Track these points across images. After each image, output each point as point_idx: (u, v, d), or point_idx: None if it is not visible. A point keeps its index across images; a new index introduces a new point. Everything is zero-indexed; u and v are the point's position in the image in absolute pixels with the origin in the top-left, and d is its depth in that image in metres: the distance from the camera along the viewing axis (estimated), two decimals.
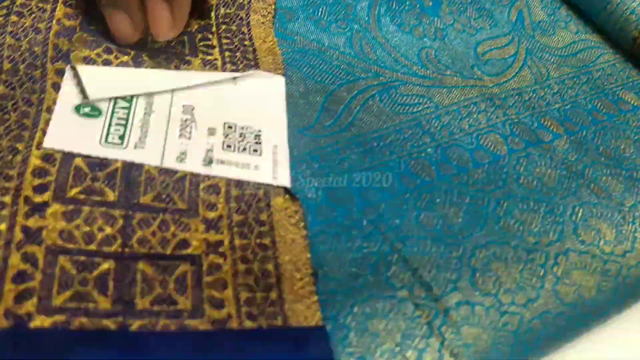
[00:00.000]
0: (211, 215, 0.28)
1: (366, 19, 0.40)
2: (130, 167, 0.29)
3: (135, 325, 0.24)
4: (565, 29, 0.44)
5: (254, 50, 0.35)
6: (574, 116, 0.38)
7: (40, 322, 0.22)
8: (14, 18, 0.31)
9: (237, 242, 0.28)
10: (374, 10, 0.40)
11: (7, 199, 0.26)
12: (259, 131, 0.32)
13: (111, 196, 0.27)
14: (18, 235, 0.25)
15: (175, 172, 0.29)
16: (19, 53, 0.30)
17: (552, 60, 0.41)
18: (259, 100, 0.34)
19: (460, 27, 0.41)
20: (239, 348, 0.24)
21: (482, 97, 0.37)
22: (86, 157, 0.28)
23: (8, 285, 0.23)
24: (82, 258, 0.25)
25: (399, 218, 0.30)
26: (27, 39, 0.31)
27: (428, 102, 0.36)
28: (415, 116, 0.35)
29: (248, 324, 0.25)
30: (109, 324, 0.23)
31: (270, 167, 0.31)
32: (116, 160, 0.29)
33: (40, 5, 0.32)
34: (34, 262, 0.24)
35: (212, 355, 0.24)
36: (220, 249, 0.27)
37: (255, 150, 0.31)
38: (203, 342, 0.24)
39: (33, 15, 0.32)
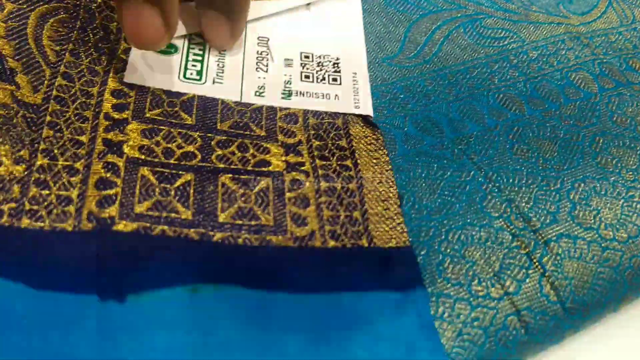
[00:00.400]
0: (290, 140, 0.27)
1: None
2: (205, 98, 0.28)
3: (217, 236, 0.23)
4: None
5: None
6: None
7: (122, 226, 0.22)
8: None
9: (318, 162, 0.27)
10: None
11: (88, 113, 0.25)
12: (337, 59, 0.31)
13: (189, 120, 0.26)
14: (100, 146, 0.24)
15: (250, 104, 0.28)
16: None
17: (637, 3, 0.39)
18: (334, 26, 0.32)
19: None
20: (322, 267, 0.23)
21: (569, 35, 0.35)
22: (164, 90, 0.27)
23: (91, 190, 0.22)
24: (163, 170, 0.24)
25: (491, 149, 0.28)
26: None
27: (514, 36, 0.34)
28: (501, 50, 0.33)
29: (332, 243, 0.24)
30: (191, 233, 0.23)
31: (352, 96, 0.29)
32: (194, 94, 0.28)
33: None
34: (116, 171, 0.23)
35: (293, 274, 0.23)
36: (302, 168, 0.26)
37: (334, 80, 0.30)
38: (285, 260, 0.23)
39: None
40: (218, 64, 0.29)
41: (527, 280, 0.25)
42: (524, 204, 0.27)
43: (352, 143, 0.28)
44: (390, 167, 0.27)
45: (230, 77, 0.29)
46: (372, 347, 0.22)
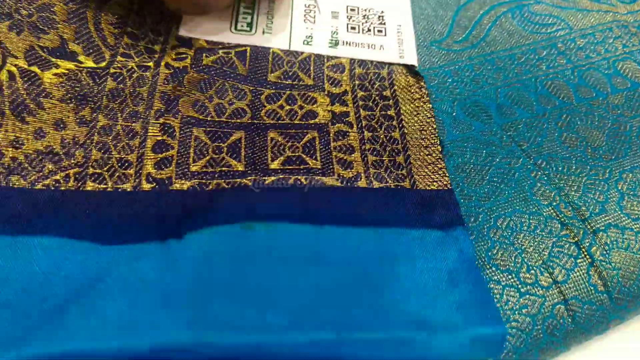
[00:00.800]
0: (336, 90, 0.28)
1: None
2: (257, 49, 0.29)
3: (269, 180, 0.24)
4: None
5: None
6: None
7: (179, 185, 0.23)
8: None
9: (362, 113, 0.27)
10: None
11: (151, 63, 0.26)
12: (382, 12, 0.31)
13: (242, 69, 0.27)
14: (158, 102, 0.25)
15: (300, 52, 0.29)
16: None
17: None
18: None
19: None
20: (367, 205, 0.24)
21: (617, 24, 0.35)
22: (219, 45, 0.28)
23: (149, 153, 0.23)
24: (215, 129, 0.25)
25: (540, 137, 0.28)
26: None
27: (562, 23, 0.34)
28: (549, 36, 0.33)
29: (376, 184, 0.25)
30: (244, 181, 0.24)
31: (396, 46, 0.30)
32: (245, 45, 0.29)
33: None
34: (172, 134, 0.24)
35: (340, 210, 0.24)
36: (346, 119, 0.27)
37: (379, 31, 0.31)
38: (333, 197, 0.24)
39: None
40: (267, 17, 0.30)
41: (576, 269, 0.25)
42: (573, 193, 0.27)
43: (396, 93, 0.29)
44: (432, 115, 0.28)
45: (279, 28, 0.30)
46: (417, 278, 0.23)
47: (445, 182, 0.25)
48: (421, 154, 0.26)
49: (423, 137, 0.27)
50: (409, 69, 0.29)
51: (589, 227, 0.26)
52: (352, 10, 0.31)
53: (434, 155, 0.26)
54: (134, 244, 0.21)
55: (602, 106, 0.30)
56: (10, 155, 0.22)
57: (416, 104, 0.28)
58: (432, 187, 0.25)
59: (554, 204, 0.26)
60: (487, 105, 0.29)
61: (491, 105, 0.29)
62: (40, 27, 0.25)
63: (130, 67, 0.25)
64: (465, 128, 0.28)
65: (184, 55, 0.27)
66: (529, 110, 0.30)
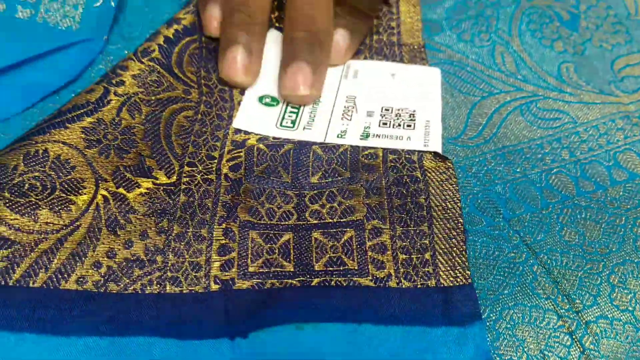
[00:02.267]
0: (371, 177, 0.32)
1: (507, 31, 0.41)
2: (299, 149, 0.33)
3: (314, 282, 0.29)
4: None
5: (399, 46, 0.38)
6: None
7: (240, 285, 0.28)
8: (205, 52, 0.36)
9: (395, 202, 0.32)
10: (516, 23, 0.42)
11: (213, 176, 0.31)
12: (414, 111, 0.36)
13: (286, 177, 0.32)
14: (220, 211, 0.30)
15: (338, 147, 0.33)
16: (211, 82, 0.35)
17: None
18: (415, 87, 0.37)
19: (598, 42, 0.42)
20: (398, 304, 0.29)
21: (620, 115, 0.39)
22: (264, 141, 0.33)
23: (215, 256, 0.29)
24: (268, 231, 0.30)
25: (542, 232, 0.33)
26: (215, 73, 0.35)
27: (567, 117, 0.38)
28: (555, 131, 0.37)
29: (405, 283, 0.29)
30: (294, 282, 0.29)
31: (422, 137, 0.34)
32: (288, 141, 0.33)
33: None
34: (232, 237, 0.29)
35: (375, 309, 0.29)
36: (381, 213, 0.31)
37: (409, 126, 0.35)
38: (367, 297, 0.29)
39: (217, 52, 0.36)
40: (310, 115, 0.35)
41: (569, 357, 0.29)
42: (569, 287, 0.31)
43: (426, 174, 0.33)
44: (459, 200, 0.32)
45: (319, 124, 0.35)
46: None
47: (466, 276, 0.29)
48: (447, 245, 0.30)
49: (449, 226, 0.31)
50: (437, 154, 0.33)
51: (582, 318, 0.30)
52: (387, 110, 0.36)
53: (458, 247, 0.30)
54: (208, 340, 0.26)
55: (602, 199, 0.35)
56: (106, 264, 0.27)
57: (445, 186, 0.32)
58: (455, 282, 0.29)
59: (552, 297, 0.30)
60: (497, 201, 0.34)
61: (500, 201, 0.34)
62: (124, 148, 0.31)
63: (197, 181, 0.30)
64: (476, 222, 0.33)
65: (238, 162, 0.32)
66: (534, 205, 0.34)
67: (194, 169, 0.31)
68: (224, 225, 0.29)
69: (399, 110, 0.35)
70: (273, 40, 0.36)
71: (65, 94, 0.33)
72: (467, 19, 0.41)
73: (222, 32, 0.35)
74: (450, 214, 0.31)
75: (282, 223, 0.30)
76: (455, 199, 0.32)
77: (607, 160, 0.36)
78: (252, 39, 0.34)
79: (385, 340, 0.28)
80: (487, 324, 0.29)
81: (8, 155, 0.28)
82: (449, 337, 0.28)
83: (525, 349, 0.29)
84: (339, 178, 0.32)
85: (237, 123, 0.33)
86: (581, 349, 0.29)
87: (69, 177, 0.28)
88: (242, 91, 0.35)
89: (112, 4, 0.35)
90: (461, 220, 0.31)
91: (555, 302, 0.30)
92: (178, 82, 0.34)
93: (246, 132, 0.34)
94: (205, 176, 0.31)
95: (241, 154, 0.32)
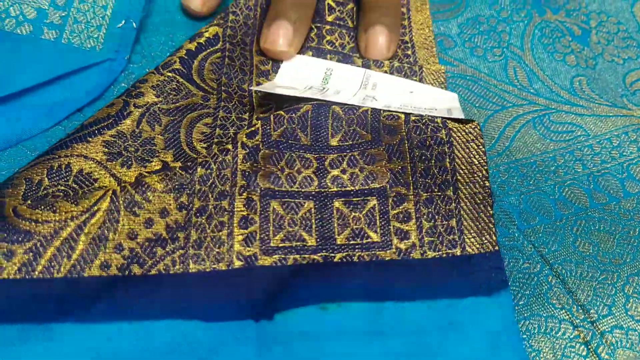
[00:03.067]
0: (393, 141, 0.32)
1: (520, 46, 0.42)
2: (318, 109, 0.33)
3: (337, 257, 0.29)
4: None
5: (420, 67, 0.39)
6: None
7: (262, 261, 0.28)
8: (227, 61, 0.36)
9: (419, 166, 0.31)
10: (528, 38, 0.42)
11: (229, 146, 0.31)
12: (434, 108, 0.35)
13: (305, 140, 0.32)
14: (240, 180, 0.30)
15: (358, 107, 0.33)
16: (232, 89, 0.35)
17: None
18: (433, 100, 0.37)
19: (609, 56, 0.43)
20: (421, 278, 0.29)
21: (633, 127, 0.39)
22: (283, 108, 0.33)
23: (236, 230, 0.29)
24: (288, 200, 0.30)
25: (557, 242, 0.33)
26: (236, 80, 0.36)
27: (580, 130, 0.38)
28: (568, 144, 0.38)
29: (429, 254, 0.29)
30: (317, 257, 0.29)
31: (445, 113, 0.34)
32: (306, 102, 0.33)
33: (243, 52, 0.37)
34: (253, 207, 0.29)
35: (398, 284, 0.29)
36: (404, 178, 0.31)
37: (432, 109, 0.35)
38: (391, 273, 0.29)
39: (240, 61, 0.37)
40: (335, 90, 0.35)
41: None
42: (584, 297, 0.31)
43: (450, 134, 0.32)
44: (485, 163, 0.31)
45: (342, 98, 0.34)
46: (461, 347, 0.27)
47: (493, 242, 0.29)
48: (473, 210, 0.30)
49: (475, 190, 0.31)
50: (461, 119, 0.33)
51: (597, 328, 0.30)
52: (405, 106, 0.35)
53: (485, 212, 0.30)
54: (234, 322, 0.27)
55: (615, 211, 0.35)
56: (128, 246, 0.28)
57: (470, 147, 0.32)
58: (481, 250, 0.29)
59: (567, 307, 0.31)
60: (511, 212, 0.34)
61: (515, 212, 0.34)
62: (146, 158, 0.31)
63: (214, 152, 0.31)
64: None
65: (254, 129, 0.32)
66: (548, 216, 0.34)
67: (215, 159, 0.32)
68: (245, 195, 0.29)
69: (417, 109, 0.35)
70: (288, 72, 0.37)
71: (89, 112, 0.34)
72: (479, 33, 0.42)
73: (272, 6, 0.37)
74: (477, 178, 0.31)
75: (303, 190, 0.30)
76: (481, 161, 0.31)
77: (620, 173, 0.37)
78: (299, 18, 0.36)
79: (410, 318, 0.28)
80: None
81: (32, 169, 0.29)
82: (475, 308, 0.28)
83: (542, 359, 0.29)
84: (360, 141, 0.32)
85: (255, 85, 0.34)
86: (597, 359, 0.29)
87: (92, 187, 0.29)
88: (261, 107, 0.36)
89: (134, 24, 0.36)
90: (488, 184, 0.31)
91: (571, 312, 0.30)
92: (197, 89, 0.34)
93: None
94: (223, 147, 0.31)
95: (257, 122, 0.32)
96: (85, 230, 0.26)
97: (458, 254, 0.29)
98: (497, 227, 0.33)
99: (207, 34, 0.36)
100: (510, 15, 0.43)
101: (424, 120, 0.32)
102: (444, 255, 0.29)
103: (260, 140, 0.31)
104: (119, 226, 0.27)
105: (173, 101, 0.33)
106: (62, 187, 0.28)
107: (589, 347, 0.29)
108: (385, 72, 0.38)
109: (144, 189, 0.28)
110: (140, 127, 0.31)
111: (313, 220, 0.30)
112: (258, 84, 0.35)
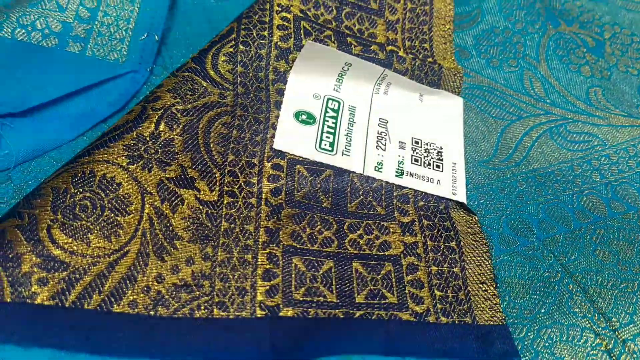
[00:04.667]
0: (405, 219, 0.33)
1: (535, 57, 0.43)
2: (339, 176, 0.34)
3: (357, 314, 0.30)
4: None
5: (440, 66, 0.39)
6: None
7: (285, 312, 0.29)
8: (241, 47, 0.36)
9: (429, 243, 0.33)
10: (543, 49, 0.43)
11: (254, 200, 0.32)
12: (441, 148, 0.37)
13: (326, 203, 0.33)
14: (263, 236, 0.31)
15: (373, 181, 0.34)
16: (248, 78, 0.35)
17: None
18: (440, 117, 0.38)
19: (623, 67, 0.43)
20: (437, 340, 0.30)
21: None
22: (305, 163, 0.34)
23: (260, 282, 0.29)
24: (310, 257, 0.31)
25: (576, 251, 0.33)
26: (252, 67, 0.36)
27: (597, 140, 0.39)
28: (585, 153, 0.38)
29: (443, 319, 0.30)
30: (338, 313, 0.29)
31: (450, 183, 0.35)
32: (327, 166, 0.34)
33: (260, 33, 0.37)
34: (276, 262, 0.30)
35: (417, 343, 0.29)
36: (416, 250, 0.32)
37: (437, 166, 0.36)
38: (408, 331, 0.30)
39: (256, 43, 0.37)
40: (346, 138, 0.36)
41: None
42: (605, 305, 0.31)
43: (455, 225, 0.34)
44: (487, 249, 0.33)
45: (356, 151, 0.35)
46: None
47: (500, 318, 0.30)
48: (479, 290, 0.31)
49: (481, 272, 0.32)
50: (461, 204, 0.34)
51: (619, 336, 0.30)
52: (416, 142, 0.37)
53: (489, 291, 0.31)
54: None
55: (633, 220, 0.35)
56: (155, 289, 0.28)
57: (473, 238, 0.33)
58: (490, 322, 0.30)
59: (588, 315, 0.31)
60: (530, 221, 0.34)
61: (533, 221, 0.35)
62: (165, 160, 0.32)
63: (238, 205, 0.31)
64: (510, 243, 0.34)
65: (278, 185, 0.32)
66: (567, 226, 0.34)
67: (235, 179, 0.32)
68: (267, 250, 0.30)
69: (427, 144, 0.36)
70: (308, 59, 0.37)
71: (113, 123, 0.35)
72: (495, 45, 0.42)
73: None
74: (481, 260, 0.32)
75: (323, 250, 0.31)
76: (484, 249, 0.33)
77: (637, 182, 0.37)
78: None
79: None
80: (525, 343, 0.30)
81: (58, 179, 0.29)
82: None
83: None
84: (375, 213, 0.33)
85: (277, 144, 0.34)
86: None
87: (116, 194, 0.29)
88: (277, 104, 0.36)
89: (156, 37, 0.37)
90: (490, 267, 0.32)
91: (592, 320, 0.31)
92: (213, 86, 0.35)
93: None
94: (247, 200, 0.31)
95: (282, 175, 0.33)
96: (116, 269, 0.27)
97: (469, 322, 0.30)
98: (516, 236, 0.33)
99: (221, 33, 0.36)
100: (525, 27, 0.43)
101: (430, 210, 0.34)
102: (457, 322, 0.30)
103: (283, 199, 0.32)
104: (147, 269, 0.28)
105: (190, 101, 0.33)
106: (88, 194, 0.28)
107: (612, 355, 0.30)
108: (407, 68, 0.38)
109: (171, 235, 0.29)
110: (159, 128, 0.32)
111: (333, 278, 0.31)
112: (275, 69, 0.36)
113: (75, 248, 0.27)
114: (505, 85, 0.41)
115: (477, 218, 0.33)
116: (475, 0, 0.45)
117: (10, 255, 0.26)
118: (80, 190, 0.28)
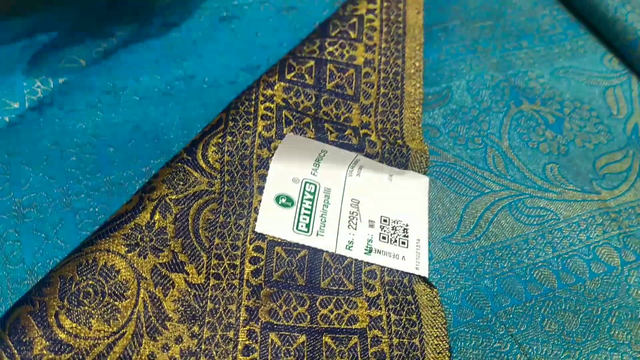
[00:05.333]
0: (372, 294, 0.37)
1: (498, 135, 0.47)
2: (313, 254, 0.38)
3: None
4: None
5: (408, 148, 0.44)
6: None
7: None
8: (229, 138, 0.41)
9: (392, 317, 0.37)
10: (505, 127, 0.47)
11: (236, 282, 0.36)
12: (407, 225, 0.41)
13: (301, 281, 0.37)
14: (244, 314, 0.35)
15: (344, 258, 0.39)
16: (234, 167, 0.40)
17: None
18: (407, 196, 0.42)
19: (581, 142, 0.47)
20: None
21: (600, 211, 0.43)
22: (283, 245, 0.38)
23: (240, 357, 0.33)
24: (285, 333, 0.35)
25: (526, 323, 0.37)
26: (238, 155, 0.41)
27: (551, 214, 0.43)
28: (539, 227, 0.42)
29: None
30: None
31: (414, 258, 0.39)
32: (303, 246, 0.38)
33: (246, 123, 0.42)
34: (255, 338, 0.34)
35: None
36: (380, 324, 0.36)
37: (403, 243, 0.40)
38: None
39: (242, 133, 0.42)
40: (321, 219, 0.40)
41: None
42: None
43: (417, 299, 0.38)
44: (445, 321, 0.36)
45: (329, 231, 0.40)
46: None
47: None
48: (435, 358, 0.35)
49: (438, 343, 0.36)
50: (424, 278, 0.39)
51: None
52: (385, 221, 0.41)
53: None
54: None
55: (580, 291, 0.39)
56: None
57: (432, 310, 0.37)
58: None
59: None
60: (486, 294, 0.39)
61: (489, 294, 0.39)
62: (158, 247, 0.36)
63: (222, 287, 0.36)
64: (467, 315, 0.38)
65: (259, 267, 0.37)
66: (519, 298, 0.39)
67: (220, 262, 0.37)
68: (247, 327, 0.35)
69: (395, 222, 0.40)
70: (288, 148, 0.42)
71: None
72: (462, 123, 0.47)
73: None
74: (438, 332, 0.36)
75: (297, 325, 0.35)
76: (442, 321, 0.37)
77: (586, 255, 0.41)
78: None
79: None
80: None
81: (65, 268, 0.34)
82: None
83: None
84: (344, 289, 0.37)
85: (259, 227, 0.39)
86: None
87: (115, 280, 0.34)
88: (260, 189, 0.40)
89: None
90: (447, 338, 0.36)
91: None
92: (203, 175, 0.39)
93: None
94: (230, 282, 0.36)
95: (262, 257, 0.37)
96: (114, 349, 0.32)
97: None
98: (473, 309, 0.37)
99: (211, 123, 0.41)
100: (490, 106, 0.48)
101: (395, 284, 0.38)
102: None
103: (263, 280, 0.37)
104: (141, 349, 0.32)
105: (181, 191, 0.38)
106: (91, 281, 0.33)
107: None
108: (377, 152, 0.43)
109: (163, 317, 0.33)
110: (154, 217, 0.36)
111: (305, 352, 0.35)
112: (259, 156, 0.40)
113: (78, 332, 0.31)
114: (470, 162, 0.45)
115: (437, 291, 0.38)
116: (445, 80, 0.49)
117: (24, 340, 0.30)
118: (84, 278, 0.33)
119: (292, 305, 0.36)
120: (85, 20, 0.48)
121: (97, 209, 0.40)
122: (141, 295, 0.33)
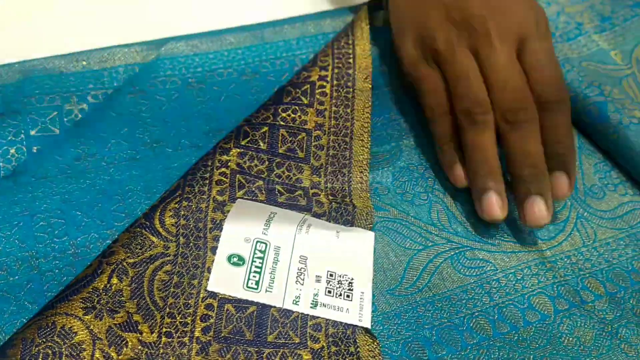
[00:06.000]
0: (316, 346, 0.40)
1: (442, 190, 0.50)
2: (261, 310, 0.41)
3: None
4: (614, 191, 0.52)
5: (354, 206, 0.47)
6: (615, 277, 0.46)
7: None
8: (184, 203, 0.45)
9: None
10: (448, 183, 0.51)
11: (186, 339, 0.39)
12: (352, 279, 0.44)
13: (249, 335, 0.40)
14: None
15: (291, 313, 0.41)
16: (189, 230, 0.43)
17: (599, 223, 0.50)
18: (353, 251, 0.45)
19: None
20: None
21: (535, 262, 0.47)
22: (233, 302, 0.41)
23: None
24: None
25: None
26: (193, 219, 0.44)
27: (490, 265, 0.46)
28: (478, 278, 0.45)
29: None
30: None
31: (357, 310, 0.42)
32: (252, 303, 0.41)
33: (202, 188, 0.46)
34: None
35: None
36: None
37: (347, 296, 0.43)
38: None
39: (197, 198, 0.45)
40: (270, 276, 0.43)
41: None
42: None
43: (359, 350, 0.40)
44: None
45: (277, 287, 0.42)
46: None
47: None
48: None
49: None
50: (367, 329, 0.41)
51: None
52: (331, 275, 0.44)
53: None
54: None
55: (514, 340, 0.42)
56: None
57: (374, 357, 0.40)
58: None
59: None
60: (424, 344, 0.42)
61: (427, 344, 0.42)
62: (114, 309, 0.39)
63: (173, 345, 0.39)
64: None
65: (208, 324, 0.40)
66: (455, 347, 0.42)
67: (173, 320, 0.40)
68: None
69: (340, 277, 0.43)
70: (240, 211, 0.45)
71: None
72: (409, 180, 0.50)
73: (472, 182, 0.47)
74: None
75: None
76: None
77: (521, 304, 0.44)
78: (497, 182, 0.46)
79: None
80: None
81: (27, 330, 0.37)
82: None
83: None
84: (290, 342, 0.40)
85: (211, 286, 0.42)
86: None
87: (72, 341, 0.37)
88: (213, 250, 0.44)
89: None
90: None
91: None
92: (159, 239, 0.42)
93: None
94: (181, 339, 0.39)
95: (213, 314, 0.40)
96: None
97: None
98: (411, 358, 0.40)
99: (170, 189, 0.45)
100: (436, 163, 0.51)
101: (339, 335, 0.41)
102: None
103: (212, 336, 0.39)
104: None
105: (138, 254, 0.41)
106: (49, 344, 0.36)
107: None
108: (325, 211, 0.46)
109: None
110: (111, 281, 0.39)
111: None
112: (213, 219, 0.44)
113: None
114: (416, 217, 0.48)
115: (378, 342, 0.40)
116: (395, 139, 0.53)
117: None
118: (44, 340, 0.36)
119: (240, 359, 0.39)
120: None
121: (63, 271, 0.43)
122: (96, 355, 0.36)
